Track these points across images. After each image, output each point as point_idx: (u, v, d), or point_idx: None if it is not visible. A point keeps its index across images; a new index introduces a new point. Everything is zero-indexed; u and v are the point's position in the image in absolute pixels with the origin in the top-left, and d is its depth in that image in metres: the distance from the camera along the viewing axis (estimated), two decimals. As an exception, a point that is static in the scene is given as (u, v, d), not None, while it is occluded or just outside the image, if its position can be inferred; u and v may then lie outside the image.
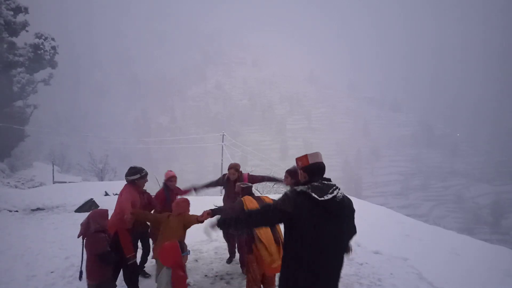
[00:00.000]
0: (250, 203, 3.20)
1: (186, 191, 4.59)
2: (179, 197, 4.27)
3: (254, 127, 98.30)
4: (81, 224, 3.12)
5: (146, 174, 3.78)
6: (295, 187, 1.99)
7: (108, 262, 3.02)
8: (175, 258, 2.50)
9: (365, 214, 7.63)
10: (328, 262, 1.90)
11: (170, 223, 3.23)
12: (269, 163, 44.56)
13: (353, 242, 5.47)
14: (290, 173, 3.46)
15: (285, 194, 1.97)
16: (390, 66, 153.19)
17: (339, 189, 1.97)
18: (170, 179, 4.33)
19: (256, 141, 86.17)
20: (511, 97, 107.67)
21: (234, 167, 4.38)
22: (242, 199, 3.31)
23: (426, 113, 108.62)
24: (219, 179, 4.67)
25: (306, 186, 1.93)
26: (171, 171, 4.41)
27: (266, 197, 3.37)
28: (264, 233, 2.97)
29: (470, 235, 8.09)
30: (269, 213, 1.99)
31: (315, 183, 1.94)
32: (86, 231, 3.06)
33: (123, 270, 3.53)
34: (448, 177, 74.82)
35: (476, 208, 59.92)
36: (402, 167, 78.90)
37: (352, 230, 2.12)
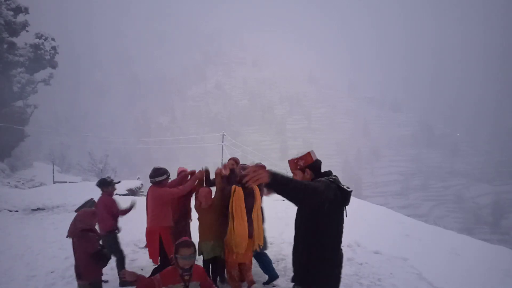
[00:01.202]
0: (238, 199, 3.37)
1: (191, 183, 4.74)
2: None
3: (254, 127, 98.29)
4: (70, 225, 3.08)
5: (170, 175, 3.86)
6: (326, 178, 1.96)
7: (100, 261, 2.96)
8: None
9: (365, 214, 7.63)
10: (339, 251, 2.05)
11: (208, 214, 3.50)
12: (269, 163, 44.52)
13: (353, 242, 5.51)
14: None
15: (326, 183, 1.89)
16: (390, 66, 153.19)
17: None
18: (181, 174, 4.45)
19: (256, 141, 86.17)
20: (511, 97, 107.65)
21: (233, 159, 4.32)
22: (234, 187, 3.43)
23: (426, 113, 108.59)
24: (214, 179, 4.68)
25: (328, 178, 1.98)
26: (182, 167, 4.56)
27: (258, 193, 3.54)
28: (240, 226, 3.28)
29: (470, 235, 8.09)
30: (316, 193, 1.80)
31: (333, 176, 2.00)
32: (73, 232, 3.01)
33: (157, 267, 3.61)
34: (448, 177, 74.81)
35: (476, 208, 59.92)
36: (402, 167, 78.89)
37: None
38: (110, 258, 3.13)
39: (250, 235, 3.36)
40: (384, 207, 10.05)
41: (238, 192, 3.36)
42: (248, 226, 3.33)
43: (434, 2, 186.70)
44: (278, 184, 1.71)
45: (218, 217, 3.54)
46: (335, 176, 2.02)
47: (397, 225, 7.30)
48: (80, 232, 2.98)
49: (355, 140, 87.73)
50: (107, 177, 4.60)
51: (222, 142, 25.49)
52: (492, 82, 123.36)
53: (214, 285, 2.53)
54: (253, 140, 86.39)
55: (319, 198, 1.84)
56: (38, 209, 8.87)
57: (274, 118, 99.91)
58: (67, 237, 3.08)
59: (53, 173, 28.28)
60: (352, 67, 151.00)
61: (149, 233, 3.60)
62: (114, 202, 4.12)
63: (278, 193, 1.74)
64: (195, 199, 3.64)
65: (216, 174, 3.64)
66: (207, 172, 3.85)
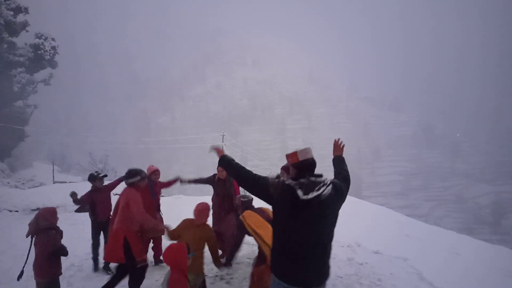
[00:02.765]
0: (250, 219, 3.16)
1: (171, 182, 4.73)
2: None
3: (254, 127, 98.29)
4: (29, 224, 3.11)
5: (145, 176, 3.75)
6: (285, 179, 2.11)
7: (63, 255, 3.12)
8: (178, 260, 2.35)
9: (365, 214, 7.63)
10: (310, 252, 1.99)
11: (195, 234, 3.10)
12: (269, 163, 44.53)
13: (353, 242, 5.51)
14: (286, 169, 3.51)
15: (277, 180, 2.09)
16: (390, 66, 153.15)
17: (327, 186, 2.00)
18: (154, 173, 4.49)
19: (256, 141, 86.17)
20: (510, 96, 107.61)
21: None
22: (242, 216, 3.24)
23: (426, 113, 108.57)
24: (209, 177, 4.68)
25: (295, 181, 1.99)
26: (153, 166, 4.61)
27: (267, 209, 3.23)
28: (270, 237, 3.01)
29: (470, 235, 8.09)
30: (259, 184, 2.10)
31: (303, 180, 1.99)
32: (35, 230, 3.05)
33: (130, 273, 3.49)
34: (448, 177, 74.79)
35: (476, 208, 59.90)
36: (402, 167, 78.87)
37: (332, 230, 2.12)
38: (67, 253, 3.19)
39: None
40: (384, 207, 10.05)
41: (250, 215, 3.14)
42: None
43: (434, 2, 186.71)
44: (225, 163, 2.36)
45: (202, 247, 3.17)
46: (307, 180, 1.97)
47: (397, 225, 7.30)
48: (43, 230, 3.06)
49: (355, 140, 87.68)
50: (95, 171, 4.86)
51: (222, 142, 25.50)
52: (492, 82, 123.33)
53: None
54: (253, 140, 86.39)
55: (252, 186, 2.12)
56: (38, 209, 8.85)
57: (274, 118, 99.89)
58: (27, 236, 3.10)
59: (53, 173, 28.30)
60: (352, 67, 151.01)
61: (115, 233, 3.43)
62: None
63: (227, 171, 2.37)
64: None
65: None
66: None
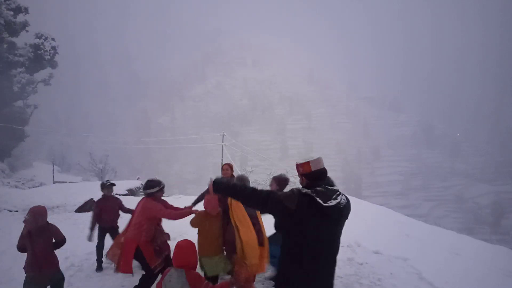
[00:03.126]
0: (236, 211, 3.17)
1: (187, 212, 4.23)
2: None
3: (254, 127, 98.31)
4: (26, 222, 3.33)
5: (164, 186, 3.79)
6: (300, 188, 2.00)
7: (61, 246, 3.51)
8: (191, 257, 2.35)
9: (365, 214, 7.63)
10: (324, 263, 1.96)
11: (214, 222, 3.30)
12: (269, 163, 44.51)
13: (353, 242, 5.51)
14: (277, 180, 3.51)
15: (291, 191, 1.98)
16: (390, 65, 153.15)
17: (342, 195, 2.01)
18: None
19: (256, 141, 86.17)
20: (510, 96, 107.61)
21: (227, 164, 4.35)
22: (229, 203, 3.24)
23: (426, 113, 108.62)
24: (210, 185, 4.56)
25: (311, 190, 1.94)
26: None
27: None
28: (247, 235, 3.07)
29: (470, 235, 8.09)
30: (270, 200, 1.98)
31: (319, 188, 1.95)
32: (35, 227, 3.29)
33: (143, 276, 3.53)
34: (448, 177, 74.82)
35: (476, 208, 59.92)
36: (402, 167, 78.90)
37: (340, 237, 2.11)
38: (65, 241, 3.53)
39: (261, 243, 3.15)
40: (384, 207, 10.05)
41: (236, 206, 3.16)
42: (256, 232, 3.13)
43: (434, 2, 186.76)
44: (220, 189, 2.21)
45: (221, 230, 3.36)
46: (323, 188, 1.96)
47: (397, 225, 7.31)
48: (42, 226, 3.34)
49: (355, 140, 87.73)
50: (106, 180, 5.01)
51: (222, 142, 25.50)
52: (491, 82, 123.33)
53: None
54: (253, 140, 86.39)
55: (263, 205, 2.01)
56: (38, 209, 8.88)
57: (274, 118, 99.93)
58: (26, 233, 3.29)
59: (53, 173, 28.34)
60: (352, 67, 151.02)
61: (127, 243, 3.45)
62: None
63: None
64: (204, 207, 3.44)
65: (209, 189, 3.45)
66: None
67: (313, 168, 2.03)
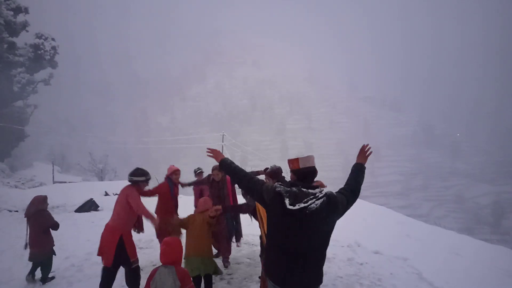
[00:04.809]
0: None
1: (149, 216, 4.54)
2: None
3: (254, 127, 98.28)
4: (27, 207, 4.10)
5: (150, 178, 3.76)
6: (277, 185, 2.06)
7: (56, 229, 4.16)
8: (179, 254, 2.42)
9: (365, 214, 7.64)
10: (298, 261, 1.96)
11: (198, 222, 3.35)
12: (269, 163, 44.53)
13: (353, 242, 5.51)
14: (269, 174, 3.59)
15: (271, 185, 2.08)
16: (390, 65, 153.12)
17: (317, 199, 1.94)
18: (175, 172, 4.39)
19: (256, 141, 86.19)
20: (510, 96, 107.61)
21: (217, 168, 4.42)
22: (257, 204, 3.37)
23: (426, 112, 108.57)
24: (204, 178, 4.84)
25: (286, 189, 1.99)
26: (173, 165, 4.50)
27: None
28: None
29: (470, 235, 8.09)
30: (256, 187, 2.12)
31: (294, 189, 1.98)
32: (34, 211, 4.02)
33: (126, 273, 3.53)
34: (448, 177, 74.80)
35: (477, 208, 59.88)
36: (402, 167, 78.90)
37: (322, 240, 2.04)
38: (59, 227, 4.19)
39: None
40: (384, 207, 10.06)
41: None
42: None
43: (434, 2, 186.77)
44: (224, 167, 2.32)
45: (208, 232, 3.37)
46: (298, 190, 1.97)
47: (397, 225, 7.31)
48: (38, 211, 4.05)
49: (355, 140, 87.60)
50: (197, 168, 5.78)
51: (222, 142, 25.52)
52: (491, 82, 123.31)
53: None
54: (253, 140, 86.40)
55: (251, 189, 2.15)
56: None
57: (274, 118, 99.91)
58: (25, 216, 4.06)
59: (53, 173, 28.33)
60: (352, 67, 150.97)
61: (111, 230, 3.40)
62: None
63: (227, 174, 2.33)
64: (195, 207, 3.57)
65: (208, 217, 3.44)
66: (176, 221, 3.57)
67: (301, 165, 2.06)
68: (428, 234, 6.83)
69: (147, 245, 5.61)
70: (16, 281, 4.15)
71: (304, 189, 1.98)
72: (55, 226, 4.14)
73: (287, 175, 4.02)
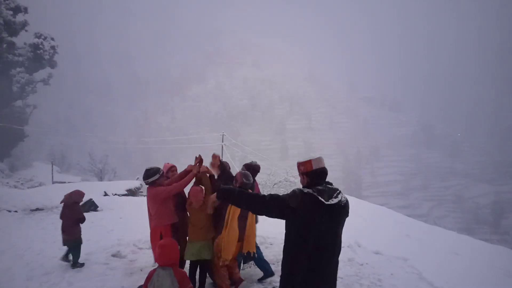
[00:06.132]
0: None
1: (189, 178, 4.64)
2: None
3: (254, 127, 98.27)
4: (65, 196, 4.78)
5: (163, 172, 3.82)
6: (302, 188, 2.02)
7: (82, 222, 4.77)
8: (176, 255, 2.42)
9: (365, 214, 7.63)
10: (326, 262, 1.99)
11: (199, 214, 3.43)
12: (269, 163, 44.50)
13: (353, 242, 5.51)
14: (246, 167, 3.73)
15: (293, 191, 2.00)
16: (390, 65, 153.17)
17: (342, 194, 2.04)
18: (171, 169, 4.26)
19: (256, 141, 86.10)
20: (510, 96, 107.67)
21: (216, 164, 4.36)
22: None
23: (426, 113, 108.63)
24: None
25: (312, 189, 1.97)
26: (168, 163, 4.40)
27: None
28: (230, 234, 3.27)
29: (470, 235, 8.10)
30: (274, 204, 2.02)
31: (320, 187, 1.99)
32: (68, 201, 4.72)
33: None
34: (448, 177, 74.84)
35: (476, 208, 59.93)
36: (402, 167, 78.92)
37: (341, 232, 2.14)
38: (85, 221, 4.80)
39: (240, 239, 3.37)
40: (384, 207, 10.06)
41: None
42: (239, 231, 3.33)
43: (433, 2, 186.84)
44: (224, 197, 2.24)
45: (208, 218, 3.45)
46: (323, 187, 2.00)
47: (397, 225, 7.30)
48: (72, 204, 4.72)
49: (355, 140, 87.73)
50: (254, 161, 5.12)
51: (222, 142, 25.52)
52: (491, 82, 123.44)
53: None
54: (253, 140, 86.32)
55: (267, 209, 2.04)
56: (38, 209, 8.85)
57: (274, 118, 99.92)
58: (61, 202, 4.77)
59: (53, 173, 28.29)
60: (352, 67, 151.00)
61: (152, 233, 3.63)
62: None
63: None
64: (187, 198, 3.59)
65: (202, 173, 3.59)
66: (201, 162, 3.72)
67: (315, 166, 2.06)
68: (428, 234, 6.83)
69: (147, 245, 5.60)
70: (16, 281, 4.14)
71: (330, 186, 2.04)
72: (81, 220, 4.75)
73: (286, 175, 4.00)
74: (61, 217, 4.69)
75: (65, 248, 4.69)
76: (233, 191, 2.19)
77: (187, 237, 3.51)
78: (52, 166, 29.82)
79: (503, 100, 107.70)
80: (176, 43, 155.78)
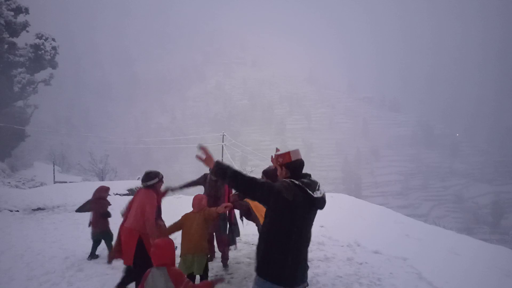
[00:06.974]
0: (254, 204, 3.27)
1: (163, 194, 4.19)
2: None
3: (254, 127, 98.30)
4: (94, 192, 5.18)
5: (163, 177, 3.74)
6: (290, 180, 2.03)
7: (108, 217, 5.00)
8: (171, 255, 2.43)
9: (364, 214, 7.64)
10: (304, 246, 2.09)
11: (195, 220, 3.33)
12: (269, 163, 44.45)
13: (353, 241, 5.52)
14: (266, 173, 3.57)
15: (287, 183, 1.99)
16: (389, 66, 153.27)
17: (321, 186, 2.11)
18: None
19: (256, 141, 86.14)
20: (510, 96, 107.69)
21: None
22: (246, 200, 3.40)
23: (426, 113, 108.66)
24: (200, 178, 4.57)
25: (299, 181, 2.01)
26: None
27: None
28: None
29: (469, 235, 8.11)
30: (270, 191, 1.97)
31: (305, 180, 2.04)
32: (95, 196, 5.12)
33: (131, 271, 3.49)
34: (447, 177, 74.84)
35: (476, 208, 59.93)
36: (401, 167, 78.90)
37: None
38: (110, 216, 5.00)
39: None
40: (384, 207, 10.05)
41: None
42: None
43: (433, 2, 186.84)
44: (220, 173, 1.99)
45: (203, 230, 3.32)
46: (308, 180, 2.04)
47: (397, 225, 7.31)
48: (98, 198, 5.08)
49: (354, 140, 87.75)
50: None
51: (222, 142, 25.54)
52: (491, 82, 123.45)
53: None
54: (253, 140, 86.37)
55: (263, 196, 2.00)
56: (39, 209, 8.87)
57: (274, 118, 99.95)
58: (92, 197, 5.19)
59: (54, 173, 28.30)
60: (351, 67, 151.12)
61: (129, 232, 3.39)
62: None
63: (224, 181, 2.10)
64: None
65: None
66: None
67: (293, 158, 2.10)
68: (428, 234, 6.83)
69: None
70: (16, 282, 4.15)
71: (312, 178, 2.09)
72: (106, 214, 4.96)
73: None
74: (90, 211, 5.10)
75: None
76: (229, 169, 2.02)
77: (181, 251, 3.31)
78: (53, 166, 29.85)
79: (503, 100, 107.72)
80: (176, 43, 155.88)
